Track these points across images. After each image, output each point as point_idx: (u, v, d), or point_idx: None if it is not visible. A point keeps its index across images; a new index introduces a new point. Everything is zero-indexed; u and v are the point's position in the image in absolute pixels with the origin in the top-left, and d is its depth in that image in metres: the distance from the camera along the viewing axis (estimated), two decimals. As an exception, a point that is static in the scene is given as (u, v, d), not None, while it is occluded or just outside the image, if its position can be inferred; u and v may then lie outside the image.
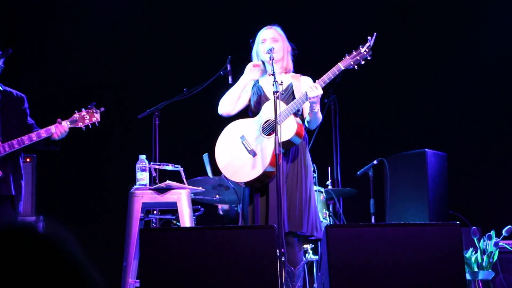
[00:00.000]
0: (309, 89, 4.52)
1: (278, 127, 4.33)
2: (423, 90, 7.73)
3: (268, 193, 4.59)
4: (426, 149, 6.92)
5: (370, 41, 4.54)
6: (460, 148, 7.47)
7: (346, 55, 4.56)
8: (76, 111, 4.95)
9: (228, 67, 5.29)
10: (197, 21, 7.73)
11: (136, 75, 7.68)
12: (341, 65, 4.53)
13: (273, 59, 4.61)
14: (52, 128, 4.81)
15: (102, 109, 5.02)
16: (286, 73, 4.82)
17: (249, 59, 4.98)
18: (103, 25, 7.61)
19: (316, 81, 4.59)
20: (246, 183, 4.67)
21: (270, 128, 4.65)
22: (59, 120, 4.84)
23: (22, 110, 4.93)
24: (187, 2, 7.77)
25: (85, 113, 4.95)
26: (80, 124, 4.93)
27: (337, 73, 4.55)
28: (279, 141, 4.31)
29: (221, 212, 6.47)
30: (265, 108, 4.71)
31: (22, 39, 7.59)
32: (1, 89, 4.88)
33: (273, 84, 4.41)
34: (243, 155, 4.70)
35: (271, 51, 4.65)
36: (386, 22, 7.75)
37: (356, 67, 4.54)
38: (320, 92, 4.51)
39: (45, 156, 6.30)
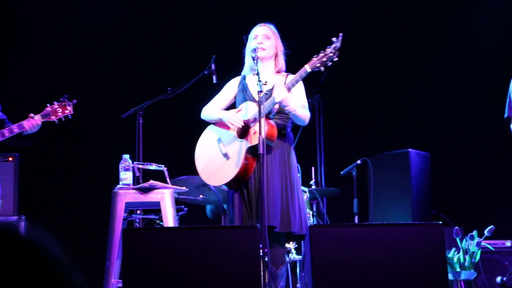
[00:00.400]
0: (277, 92, 4.51)
1: (260, 126, 4.33)
2: (406, 91, 7.75)
3: (251, 194, 4.59)
4: (410, 149, 6.95)
5: (336, 42, 4.48)
6: (443, 148, 7.51)
7: (314, 57, 4.52)
8: (48, 104, 4.92)
9: (213, 66, 5.28)
10: (182, 20, 7.71)
11: (120, 73, 7.65)
12: (307, 67, 4.49)
13: (257, 58, 4.59)
14: (24, 123, 4.77)
15: (74, 101, 4.98)
16: (278, 72, 4.80)
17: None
18: (88, 23, 7.58)
19: (284, 84, 4.58)
20: (224, 185, 4.69)
21: (242, 131, 4.66)
22: (31, 114, 4.80)
23: None
24: (172, 1, 7.76)
25: (57, 106, 4.91)
26: (53, 118, 4.89)
27: (304, 75, 4.51)
28: (263, 141, 4.30)
29: (209, 215, 6.45)
30: (243, 109, 4.71)
31: (2, 32, 7.54)
32: None
33: (257, 84, 4.41)
34: (218, 159, 4.71)
35: (255, 51, 4.63)
36: (370, 22, 7.78)
37: (323, 68, 4.49)
38: (285, 95, 4.47)
39: (27, 155, 6.26)
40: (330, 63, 4.48)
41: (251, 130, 4.61)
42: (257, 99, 4.45)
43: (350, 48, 7.56)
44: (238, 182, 4.61)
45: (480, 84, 7.55)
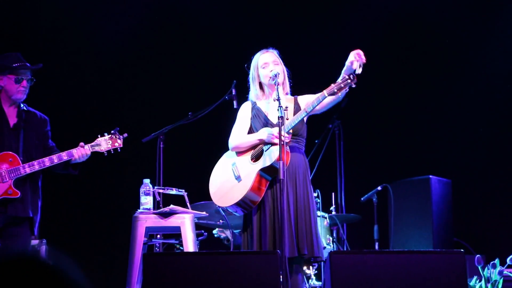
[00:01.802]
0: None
1: (279, 151, 4.33)
2: (427, 116, 7.73)
3: (267, 218, 4.58)
4: (431, 176, 6.91)
5: (357, 68, 4.54)
6: (464, 175, 7.46)
7: (332, 84, 4.57)
8: (99, 135, 4.95)
9: (233, 91, 5.30)
10: (203, 45, 7.77)
11: (141, 98, 7.70)
12: (325, 93, 4.55)
13: (278, 84, 4.62)
14: (74, 151, 4.81)
15: (125, 135, 5.01)
16: (285, 95, 4.85)
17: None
18: (110, 49, 7.64)
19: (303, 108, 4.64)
20: (235, 207, 4.68)
21: (256, 153, 4.67)
22: (81, 144, 4.84)
23: (44, 132, 4.96)
24: (193, 27, 7.81)
25: (108, 138, 4.95)
26: (103, 149, 4.93)
27: (321, 100, 4.56)
28: (281, 168, 4.30)
29: (225, 242, 6.42)
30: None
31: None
32: (25, 109, 4.91)
33: (278, 109, 4.42)
34: (230, 181, 4.73)
35: (276, 76, 4.66)
36: (390, 47, 7.78)
37: (340, 94, 4.54)
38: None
39: (49, 178, 6.29)
40: (347, 89, 4.51)
41: (264, 154, 4.63)
42: (274, 123, 4.48)
43: (371, 74, 7.58)
44: (248, 204, 4.61)
45: (502, 111, 7.51)
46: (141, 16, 7.77)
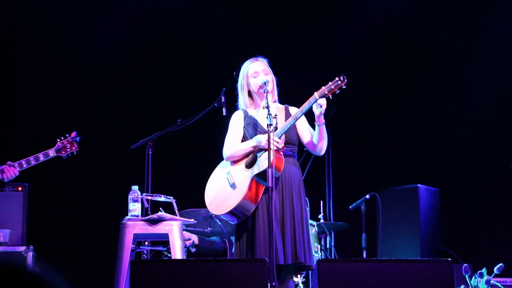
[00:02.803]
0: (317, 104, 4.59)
1: (272, 157, 4.34)
2: (416, 125, 7.76)
3: (261, 226, 4.58)
4: (419, 185, 6.93)
5: (344, 79, 4.59)
6: (452, 184, 7.49)
7: (323, 86, 4.60)
8: (58, 140, 5.08)
9: (223, 98, 5.30)
10: (192, 52, 7.77)
11: (129, 104, 7.69)
12: (316, 95, 4.57)
13: (267, 92, 4.63)
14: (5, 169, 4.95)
15: (78, 138, 5.14)
16: (273, 102, 4.87)
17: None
18: (100, 56, 7.64)
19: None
20: (230, 215, 4.67)
21: (250, 160, 4.68)
22: (8, 162, 4.94)
23: None
24: (183, 34, 7.82)
25: (66, 143, 5.07)
26: (63, 153, 5.04)
27: (313, 102, 4.58)
28: (270, 175, 4.31)
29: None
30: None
31: (18, 66, 7.61)
32: None
33: (267, 117, 4.43)
34: (226, 189, 4.72)
35: (265, 84, 4.68)
36: (379, 56, 7.81)
37: (330, 96, 4.57)
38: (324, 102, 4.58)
39: (36, 185, 6.27)
40: (338, 91, 4.55)
41: (258, 160, 4.63)
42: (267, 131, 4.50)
43: (360, 83, 7.61)
44: (243, 211, 4.61)
45: (489, 120, 7.55)
46: (131, 23, 7.77)
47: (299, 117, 4.64)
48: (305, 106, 4.59)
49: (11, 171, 4.94)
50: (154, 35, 7.87)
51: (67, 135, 5.13)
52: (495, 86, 7.57)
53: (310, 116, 4.68)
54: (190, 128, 5.62)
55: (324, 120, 4.63)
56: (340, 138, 6.96)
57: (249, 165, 4.69)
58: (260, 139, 4.64)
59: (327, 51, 7.72)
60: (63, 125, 7.32)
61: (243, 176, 4.67)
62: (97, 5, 7.70)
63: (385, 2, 7.82)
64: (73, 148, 5.09)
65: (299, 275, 5.71)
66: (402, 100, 7.76)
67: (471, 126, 7.60)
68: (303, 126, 4.79)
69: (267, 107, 4.47)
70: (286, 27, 7.85)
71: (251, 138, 4.76)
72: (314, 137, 4.72)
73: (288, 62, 7.54)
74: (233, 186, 4.69)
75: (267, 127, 4.41)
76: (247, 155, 4.73)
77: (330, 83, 4.57)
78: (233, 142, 4.81)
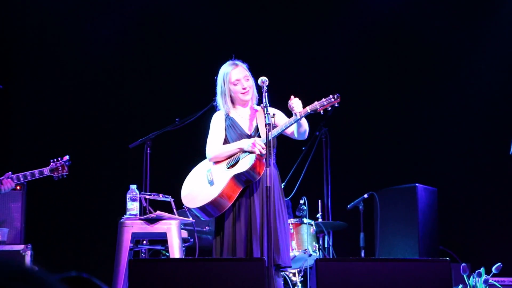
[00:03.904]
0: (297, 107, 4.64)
1: (266, 159, 4.35)
2: (415, 125, 7.76)
3: (242, 226, 4.61)
4: (417, 184, 6.94)
5: (338, 97, 4.63)
6: (450, 183, 7.49)
7: (316, 101, 4.62)
8: (51, 160, 5.21)
9: (221, 98, 5.30)
10: (190, 51, 7.77)
11: (128, 104, 7.69)
12: (308, 109, 4.61)
13: (266, 92, 4.64)
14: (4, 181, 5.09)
15: (69, 163, 5.25)
16: (252, 106, 4.94)
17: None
18: (97, 56, 7.63)
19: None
20: (202, 210, 4.70)
21: (233, 162, 4.73)
22: (9, 174, 5.06)
23: None
24: (180, 33, 7.82)
25: (59, 165, 5.21)
26: (55, 174, 5.20)
27: (298, 118, 4.62)
28: (271, 174, 4.33)
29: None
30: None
31: (16, 74, 7.60)
32: None
33: (265, 116, 4.45)
34: (203, 185, 4.78)
35: (263, 83, 4.68)
36: (378, 57, 7.82)
37: (322, 112, 4.61)
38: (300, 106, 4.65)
39: (35, 184, 6.27)
40: (330, 108, 4.60)
41: (240, 162, 4.67)
42: (249, 134, 4.72)
43: (358, 82, 7.62)
44: (216, 208, 4.64)
45: (488, 120, 7.55)
46: (128, 22, 7.77)
47: (286, 128, 4.67)
48: (290, 121, 4.65)
49: (9, 184, 5.04)
50: (151, 35, 7.86)
51: (59, 158, 5.23)
52: (493, 86, 7.57)
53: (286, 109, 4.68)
54: (188, 127, 5.62)
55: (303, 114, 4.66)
56: (338, 137, 6.96)
57: (231, 166, 4.73)
58: (246, 143, 4.70)
59: (326, 51, 7.71)
60: (63, 124, 7.34)
61: (222, 175, 4.73)
62: (95, 5, 7.69)
63: (385, 3, 7.82)
64: (64, 171, 5.22)
65: (296, 274, 5.73)
66: (401, 99, 7.76)
67: (470, 126, 7.60)
68: (282, 121, 4.79)
69: (266, 107, 4.50)
70: (284, 27, 7.85)
71: (232, 139, 4.84)
72: (295, 130, 4.77)
73: (287, 62, 7.54)
74: (211, 182, 4.74)
75: (265, 126, 4.43)
76: (229, 156, 4.77)
77: (323, 99, 4.63)
78: (216, 143, 4.87)
